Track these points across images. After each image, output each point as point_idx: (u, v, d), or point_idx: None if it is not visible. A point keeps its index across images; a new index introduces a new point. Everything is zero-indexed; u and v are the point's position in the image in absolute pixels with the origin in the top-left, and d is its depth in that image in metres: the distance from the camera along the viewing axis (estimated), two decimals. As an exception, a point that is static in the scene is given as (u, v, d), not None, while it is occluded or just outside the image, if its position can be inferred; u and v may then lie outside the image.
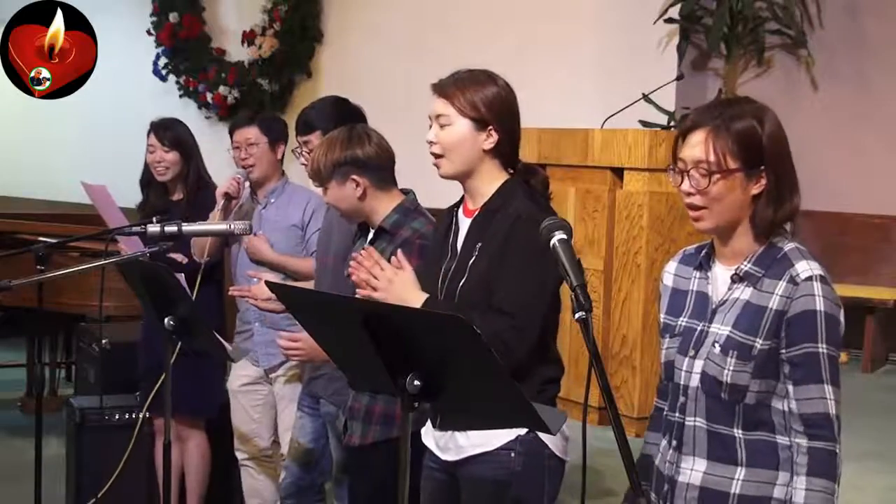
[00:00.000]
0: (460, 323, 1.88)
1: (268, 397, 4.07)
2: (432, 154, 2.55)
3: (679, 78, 6.11)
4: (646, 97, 5.80)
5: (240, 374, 4.11)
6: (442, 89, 2.53)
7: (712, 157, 2.11)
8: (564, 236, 2.14)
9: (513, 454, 2.47)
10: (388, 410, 2.97)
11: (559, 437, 2.49)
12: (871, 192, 6.52)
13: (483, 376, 1.94)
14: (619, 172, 4.86)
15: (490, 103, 2.52)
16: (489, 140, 2.52)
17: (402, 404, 1.99)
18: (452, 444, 2.54)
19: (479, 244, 2.49)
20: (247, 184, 4.04)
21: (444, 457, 2.57)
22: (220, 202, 3.92)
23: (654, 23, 6.43)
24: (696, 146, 2.13)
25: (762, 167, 2.12)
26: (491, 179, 2.55)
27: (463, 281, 2.49)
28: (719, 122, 2.12)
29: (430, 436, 2.62)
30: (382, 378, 2.00)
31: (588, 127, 5.12)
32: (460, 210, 2.63)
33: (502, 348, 2.30)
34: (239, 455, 4.18)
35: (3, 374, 6.91)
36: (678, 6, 6.47)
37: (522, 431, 2.45)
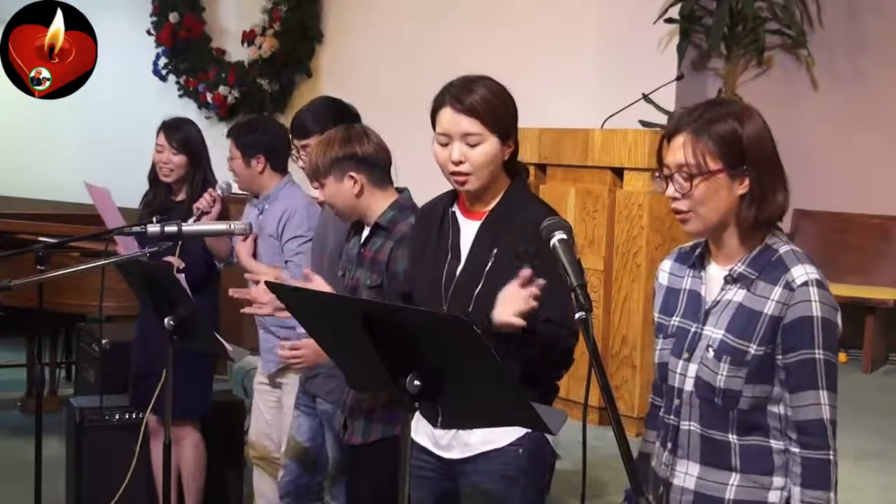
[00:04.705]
0: (460, 323, 1.88)
1: (280, 401, 4.07)
2: (458, 173, 2.52)
3: (679, 78, 6.11)
4: (646, 97, 5.80)
5: (259, 374, 4.12)
6: (470, 108, 2.48)
7: (692, 160, 2.10)
8: (564, 236, 2.14)
9: (521, 450, 2.49)
10: (389, 408, 2.97)
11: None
12: (871, 192, 6.52)
13: (483, 376, 1.94)
14: (619, 172, 4.86)
15: (512, 115, 2.54)
16: (509, 150, 2.55)
17: (402, 404, 2.00)
18: (457, 443, 2.54)
19: (496, 250, 2.48)
20: (229, 191, 4.06)
21: (446, 455, 2.56)
22: (195, 215, 3.94)
23: (654, 23, 6.43)
24: (678, 150, 2.12)
25: (745, 167, 2.10)
26: (496, 182, 2.56)
27: (479, 288, 2.47)
28: (699, 125, 2.11)
29: (424, 434, 2.60)
30: (382, 378, 2.00)
31: (588, 127, 5.12)
32: (456, 210, 2.62)
33: (568, 357, 2.44)
34: (251, 453, 4.19)
35: (3, 374, 6.91)
36: (678, 6, 6.47)
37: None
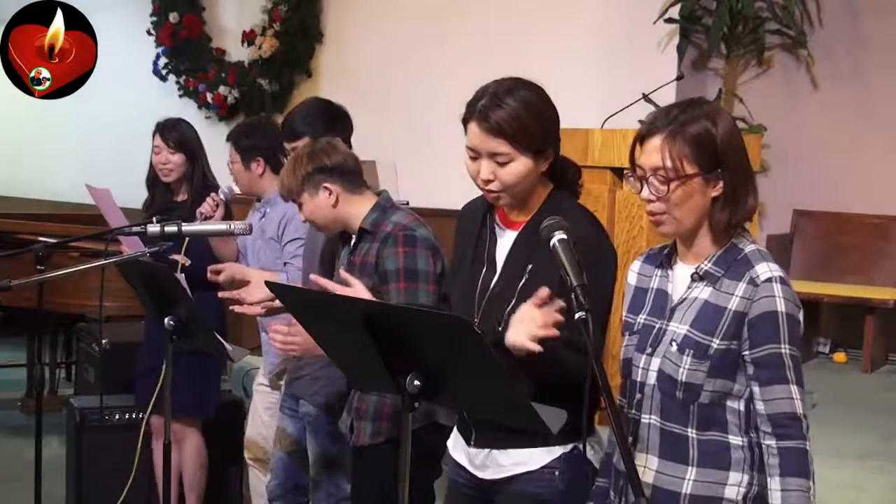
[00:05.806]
0: (460, 323, 1.88)
1: (277, 403, 4.06)
2: (488, 190, 2.39)
3: (679, 78, 6.10)
4: (646, 97, 5.79)
5: (260, 374, 4.12)
6: (496, 127, 2.33)
7: (669, 164, 2.11)
8: (564, 236, 2.14)
9: (557, 472, 2.40)
10: (397, 408, 2.96)
11: (598, 451, 2.44)
12: (871, 192, 6.52)
13: (483, 376, 1.94)
14: (619, 172, 4.85)
15: (547, 127, 2.40)
16: (546, 162, 2.41)
17: (402, 404, 2.00)
18: (491, 463, 2.46)
19: (531, 266, 2.36)
20: (232, 196, 4.04)
21: (480, 475, 2.48)
22: (198, 219, 3.92)
23: (654, 23, 6.43)
24: (653, 153, 2.13)
25: (719, 170, 2.12)
26: (536, 191, 2.44)
27: (512, 305, 2.33)
28: (674, 127, 2.12)
29: (461, 451, 2.54)
30: (383, 378, 2.00)
31: (588, 127, 5.11)
32: (495, 217, 2.50)
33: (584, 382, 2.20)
34: (246, 454, 4.18)
35: (3, 374, 6.91)
36: (678, 6, 6.47)
37: (567, 449, 2.38)
